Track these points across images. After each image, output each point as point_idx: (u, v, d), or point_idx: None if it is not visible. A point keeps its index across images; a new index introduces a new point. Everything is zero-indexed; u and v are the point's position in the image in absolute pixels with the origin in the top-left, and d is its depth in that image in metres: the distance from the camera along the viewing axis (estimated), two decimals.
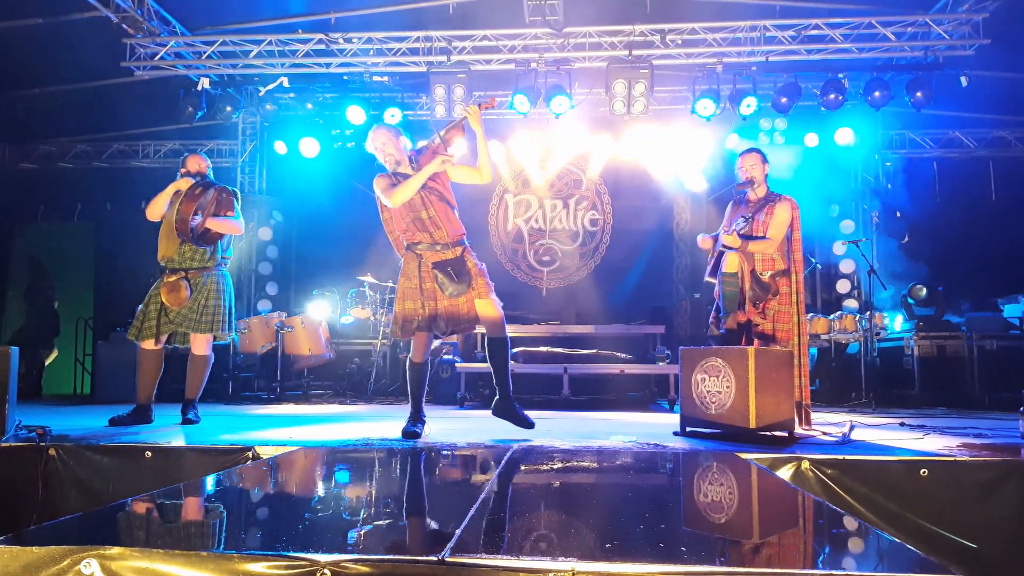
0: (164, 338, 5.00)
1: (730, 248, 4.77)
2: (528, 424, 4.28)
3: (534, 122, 9.41)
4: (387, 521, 2.29)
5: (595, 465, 3.43)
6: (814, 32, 7.96)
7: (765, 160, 4.96)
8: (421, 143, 4.57)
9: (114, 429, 4.54)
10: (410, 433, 4.20)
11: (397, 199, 4.17)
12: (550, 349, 7.81)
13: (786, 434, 4.13)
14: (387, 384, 8.54)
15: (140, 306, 5.04)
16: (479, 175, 4.30)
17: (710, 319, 5.09)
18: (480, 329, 4.49)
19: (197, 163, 5.13)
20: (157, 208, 4.97)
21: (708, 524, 2.35)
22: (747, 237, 4.78)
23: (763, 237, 4.77)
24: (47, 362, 9.70)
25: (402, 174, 4.28)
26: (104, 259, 10.70)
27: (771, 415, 4.04)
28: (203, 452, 3.71)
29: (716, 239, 5.05)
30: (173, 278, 4.91)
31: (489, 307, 4.25)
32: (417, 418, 4.35)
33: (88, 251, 10.91)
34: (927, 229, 9.35)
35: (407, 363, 4.42)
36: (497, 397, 4.35)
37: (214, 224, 4.93)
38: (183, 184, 4.93)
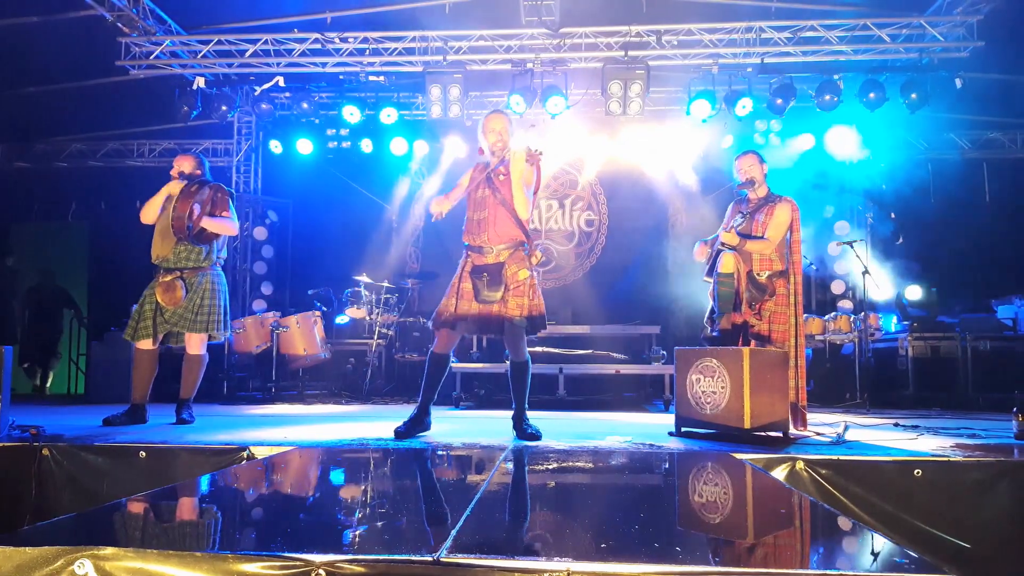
0: (160, 338, 4.98)
1: (728, 246, 4.78)
2: (532, 438, 4.18)
3: (530, 122, 9.41)
4: (382, 521, 2.29)
5: (590, 465, 3.43)
6: (809, 34, 7.98)
7: (763, 161, 4.96)
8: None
9: (108, 429, 4.53)
10: (400, 433, 4.18)
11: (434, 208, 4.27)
12: (546, 349, 7.81)
13: (781, 434, 4.14)
14: (382, 384, 8.53)
15: (135, 306, 5.03)
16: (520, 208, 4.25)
17: (705, 320, 5.09)
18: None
19: (189, 163, 5.11)
20: (151, 211, 4.95)
21: (703, 524, 2.35)
22: (745, 236, 4.79)
23: (762, 237, 4.77)
24: (48, 383, 9.70)
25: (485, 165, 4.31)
26: (98, 258, 10.67)
27: (766, 415, 4.05)
28: (198, 452, 3.71)
29: (712, 244, 5.06)
30: (168, 278, 4.89)
31: (511, 327, 4.16)
32: (418, 417, 4.29)
33: (82, 250, 10.89)
34: (921, 230, 9.37)
35: (428, 353, 4.39)
36: (513, 410, 4.39)
37: (209, 224, 4.92)
38: (175, 187, 4.92)
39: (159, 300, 4.88)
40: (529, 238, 4.31)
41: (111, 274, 9.98)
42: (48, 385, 9.79)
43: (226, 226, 5.03)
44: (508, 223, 4.22)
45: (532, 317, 4.19)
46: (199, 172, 5.10)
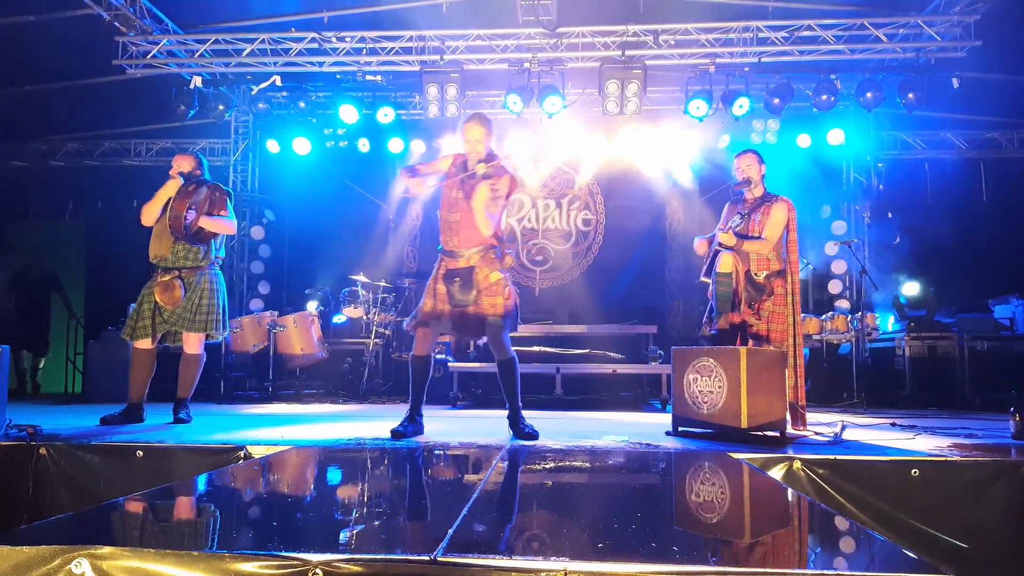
0: (158, 337, 4.98)
1: (726, 246, 4.78)
2: (529, 437, 4.18)
3: (527, 122, 9.41)
4: (379, 520, 2.29)
5: (587, 465, 3.43)
6: (806, 33, 7.98)
7: (762, 161, 4.97)
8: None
9: (105, 428, 4.52)
10: (397, 433, 4.18)
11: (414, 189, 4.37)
12: (543, 349, 7.82)
13: (778, 434, 4.15)
14: (379, 383, 8.52)
15: (133, 305, 5.02)
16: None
17: (703, 319, 5.10)
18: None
19: (188, 162, 5.10)
20: (152, 213, 4.95)
21: (700, 524, 2.36)
22: (743, 236, 4.79)
23: (759, 237, 4.78)
24: (40, 366, 9.59)
25: (462, 171, 4.28)
26: (95, 258, 10.64)
27: (763, 415, 4.06)
28: (195, 451, 3.70)
29: (712, 241, 5.07)
30: (167, 277, 4.89)
31: (490, 327, 4.21)
32: (411, 418, 4.32)
33: (79, 250, 10.86)
34: (918, 230, 9.38)
35: (410, 357, 4.42)
36: (508, 410, 4.38)
37: (207, 223, 4.92)
38: (173, 187, 4.91)
39: (158, 300, 4.87)
40: (501, 242, 4.34)
41: (108, 273, 9.95)
42: (40, 369, 9.65)
43: (224, 225, 5.03)
44: (478, 228, 4.24)
45: (509, 314, 4.24)
46: (198, 171, 5.10)
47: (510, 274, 4.37)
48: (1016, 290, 8.44)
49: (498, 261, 4.28)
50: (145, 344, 4.91)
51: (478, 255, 4.24)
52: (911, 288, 8.50)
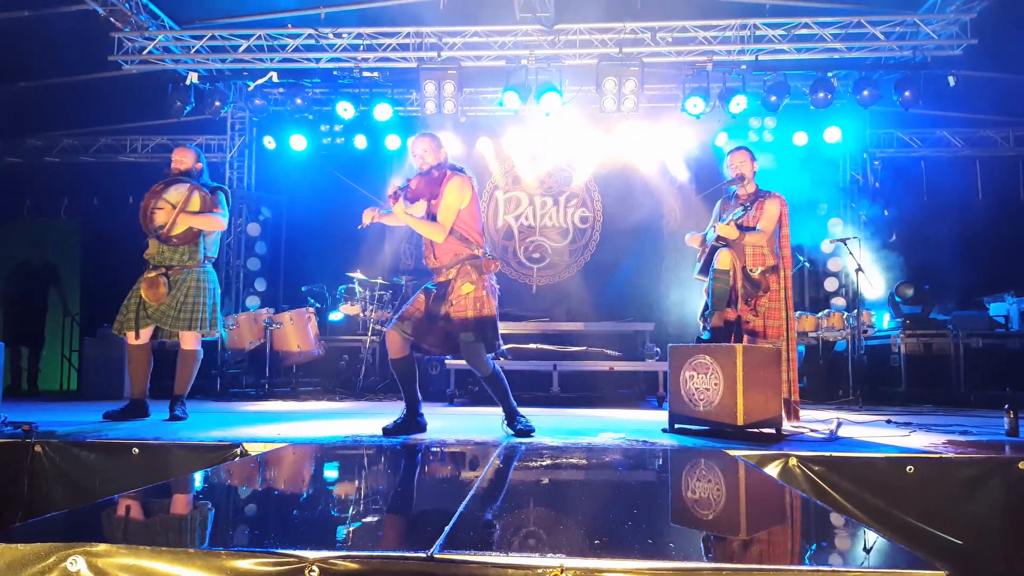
0: (147, 333, 4.96)
1: (725, 240, 4.80)
2: (525, 434, 4.19)
3: (524, 119, 9.41)
4: (375, 518, 2.29)
5: (584, 462, 3.43)
6: (804, 31, 7.98)
7: (754, 158, 5.00)
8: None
9: (101, 424, 4.52)
10: (387, 431, 4.20)
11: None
12: (540, 346, 7.81)
13: (774, 431, 4.16)
14: (376, 381, 8.52)
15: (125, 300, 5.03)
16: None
17: (699, 317, 5.11)
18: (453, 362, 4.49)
19: (188, 156, 5.07)
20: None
21: (696, 520, 2.36)
22: (743, 228, 4.81)
23: (755, 229, 4.81)
24: (39, 367, 9.54)
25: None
26: (91, 255, 10.61)
27: (759, 412, 4.07)
28: (191, 449, 3.70)
29: (704, 236, 5.08)
30: (153, 274, 4.91)
31: (463, 346, 4.14)
32: (408, 416, 4.33)
33: (75, 247, 10.83)
34: (914, 228, 9.40)
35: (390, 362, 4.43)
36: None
37: (190, 220, 4.89)
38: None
39: (143, 296, 4.90)
40: (481, 248, 4.26)
41: (104, 270, 9.92)
42: (39, 370, 9.59)
43: (212, 221, 4.97)
44: (449, 242, 4.22)
45: (481, 328, 4.11)
46: (198, 165, 5.10)
47: (491, 284, 4.26)
48: (1011, 287, 8.46)
49: (475, 272, 4.18)
50: (131, 338, 4.92)
51: (455, 270, 4.21)
52: (907, 286, 8.52)
